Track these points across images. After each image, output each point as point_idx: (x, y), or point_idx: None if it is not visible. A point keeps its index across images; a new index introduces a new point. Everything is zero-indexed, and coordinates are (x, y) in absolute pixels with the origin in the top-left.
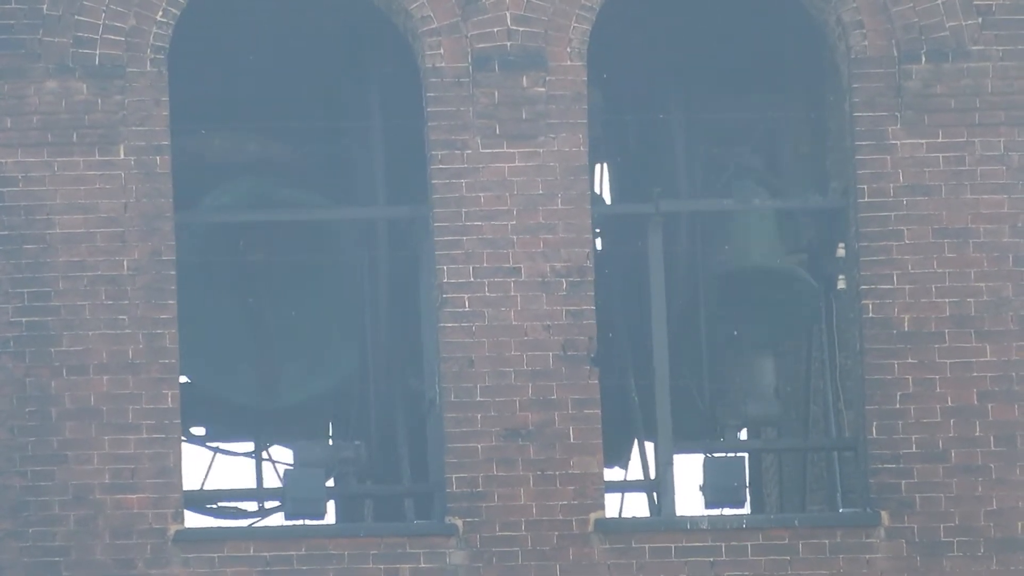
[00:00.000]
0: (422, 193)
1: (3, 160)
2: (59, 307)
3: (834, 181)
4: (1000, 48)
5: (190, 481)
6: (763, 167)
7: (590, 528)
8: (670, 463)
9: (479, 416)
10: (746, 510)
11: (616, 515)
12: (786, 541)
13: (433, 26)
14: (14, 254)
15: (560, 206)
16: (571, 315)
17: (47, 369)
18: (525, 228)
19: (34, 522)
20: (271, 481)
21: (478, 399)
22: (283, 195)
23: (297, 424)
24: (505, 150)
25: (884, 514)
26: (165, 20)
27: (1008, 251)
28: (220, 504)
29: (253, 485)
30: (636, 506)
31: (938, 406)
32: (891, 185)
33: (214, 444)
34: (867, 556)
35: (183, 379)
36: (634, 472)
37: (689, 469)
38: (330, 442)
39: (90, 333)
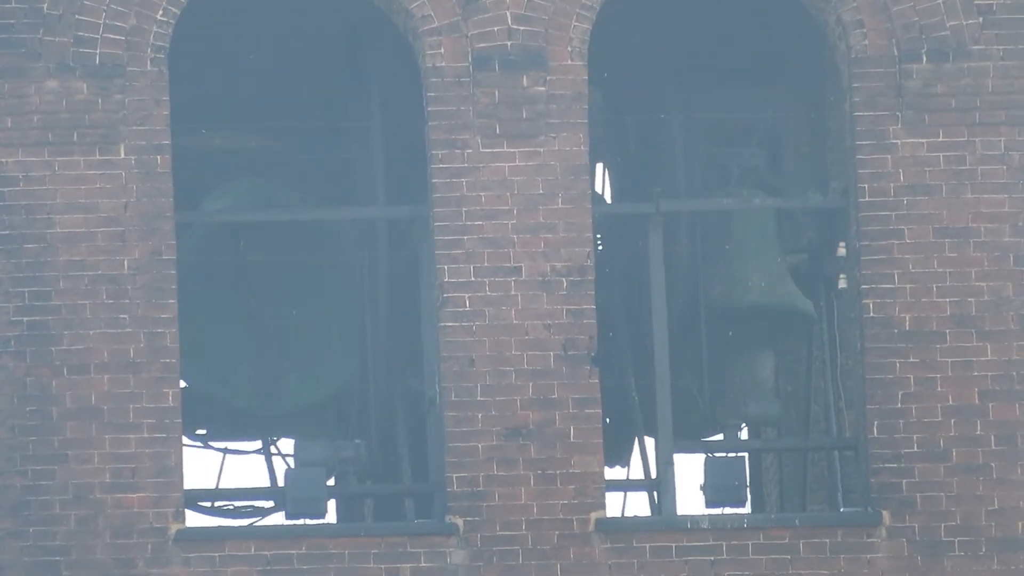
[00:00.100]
0: (422, 193)
1: (4, 160)
2: (60, 306)
3: (835, 181)
4: (1001, 48)
5: (199, 482)
6: (763, 167)
7: (591, 527)
8: (671, 462)
9: (480, 415)
10: (747, 509)
11: (617, 514)
12: (787, 541)
13: (433, 25)
14: (15, 253)
15: (560, 206)
16: (571, 314)
17: (48, 368)
18: (526, 228)
19: (35, 521)
20: (280, 478)
21: (479, 398)
22: (283, 195)
23: (299, 424)
24: (505, 150)
25: (885, 514)
26: (165, 20)
27: (1009, 251)
28: (236, 505)
29: (258, 484)
30: (637, 505)
31: (939, 405)
32: (892, 185)
33: (220, 445)
34: (868, 556)
35: (182, 384)
36: (635, 471)
37: (690, 468)
38: (330, 441)
39: (91, 332)
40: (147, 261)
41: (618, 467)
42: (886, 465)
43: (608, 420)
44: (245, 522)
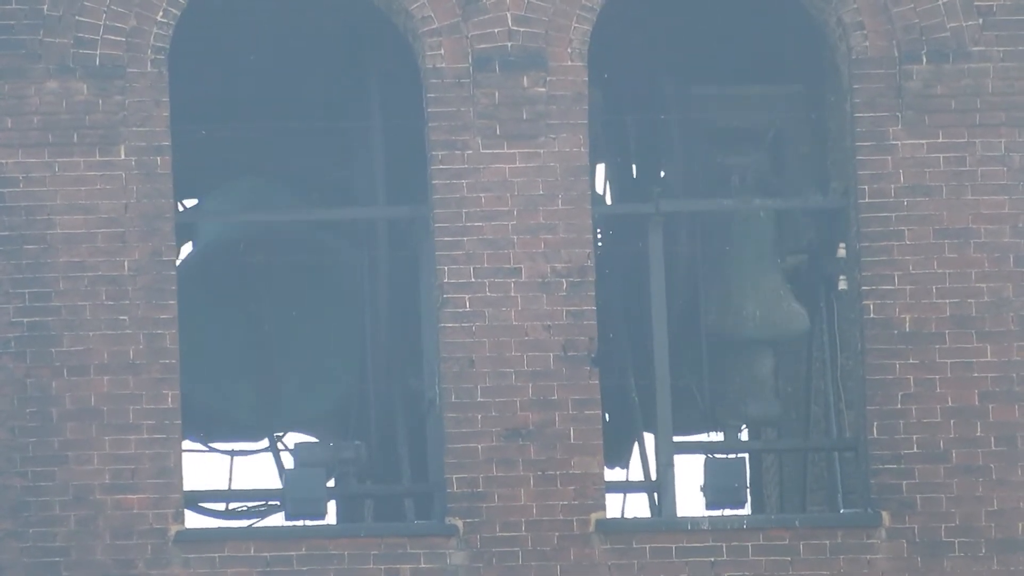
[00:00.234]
0: (422, 193)
1: (4, 160)
2: (60, 307)
3: (835, 181)
4: (1001, 49)
5: (199, 483)
6: (763, 167)
7: (591, 528)
8: (671, 463)
9: (479, 416)
10: (747, 511)
11: (617, 515)
12: (787, 541)
13: (434, 26)
14: (15, 254)
15: (560, 206)
16: (571, 315)
17: (48, 369)
18: (526, 228)
19: (34, 522)
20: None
21: (478, 399)
22: (283, 195)
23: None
24: (506, 150)
25: (885, 514)
26: (165, 20)
27: (1009, 251)
28: (248, 506)
29: (259, 484)
30: (637, 506)
31: (939, 406)
32: (892, 185)
33: (226, 447)
34: (868, 556)
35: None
36: (635, 472)
37: (690, 469)
38: (330, 442)
39: (91, 333)
40: (147, 262)
41: (618, 468)
42: (886, 466)
43: (608, 421)
44: (245, 523)
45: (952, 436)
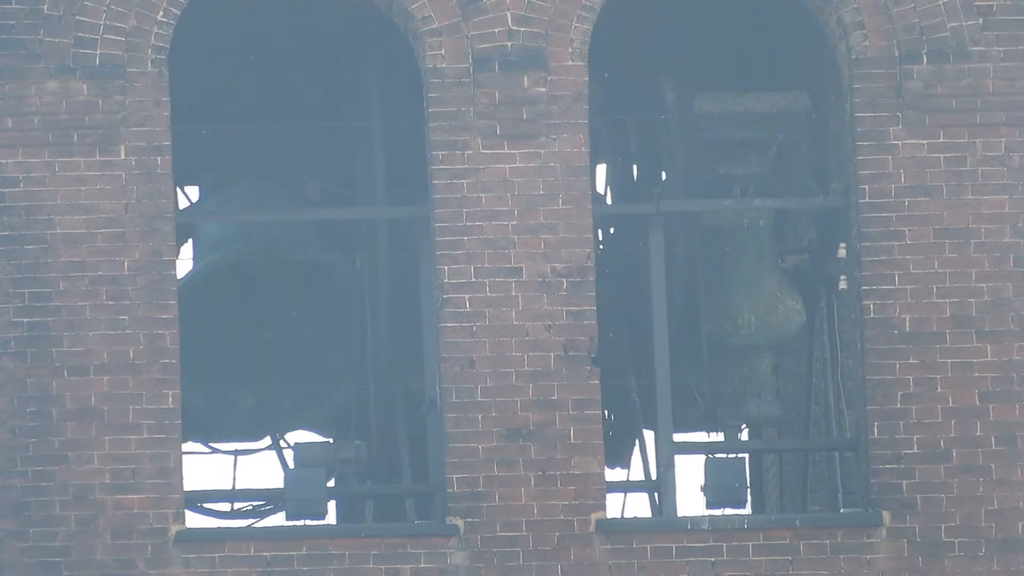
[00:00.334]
0: (422, 193)
1: (4, 160)
2: (60, 307)
3: (835, 181)
4: (1001, 49)
5: (199, 483)
6: (766, 176)
7: (591, 528)
8: (671, 463)
9: (480, 416)
10: (747, 510)
11: (617, 515)
12: (787, 541)
13: (434, 26)
14: (15, 254)
15: (561, 206)
16: (572, 315)
17: (48, 369)
18: (526, 228)
19: (35, 522)
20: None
21: (479, 399)
22: (283, 197)
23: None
24: (506, 150)
25: (885, 514)
26: (166, 20)
27: (1009, 251)
28: (254, 505)
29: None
30: (637, 506)
31: (939, 406)
32: (892, 185)
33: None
34: (868, 556)
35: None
36: (635, 472)
37: (690, 469)
38: (331, 442)
39: (91, 333)
40: (147, 262)
41: (618, 468)
42: (886, 466)
43: (609, 421)
44: (245, 523)
45: (952, 436)
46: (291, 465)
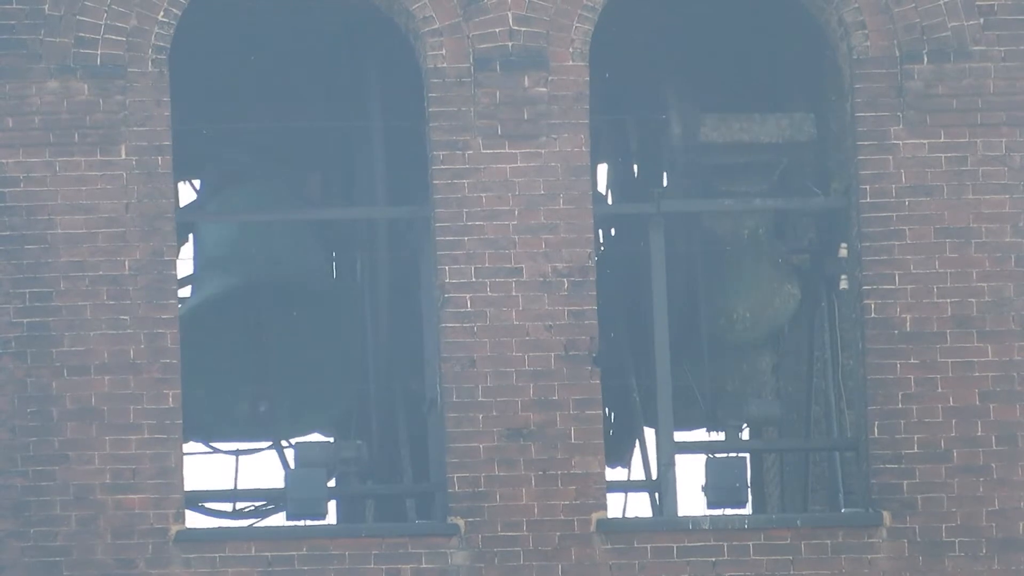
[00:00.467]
0: (423, 193)
1: (4, 160)
2: (60, 307)
3: (836, 181)
4: (1002, 48)
5: (200, 483)
6: (766, 186)
7: (592, 528)
8: (672, 463)
9: (481, 416)
10: (748, 510)
11: (618, 515)
12: (788, 541)
13: (435, 26)
14: (15, 254)
15: (562, 206)
16: (573, 315)
17: (48, 369)
18: (527, 228)
19: (35, 522)
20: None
21: (480, 399)
22: (283, 195)
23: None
24: (507, 150)
25: (886, 514)
26: (166, 20)
27: (1010, 251)
28: (252, 506)
29: (260, 484)
30: (638, 506)
31: (940, 406)
32: (893, 185)
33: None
34: (869, 556)
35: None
36: (636, 472)
37: (691, 469)
38: (332, 442)
39: (91, 333)
40: (148, 262)
41: (619, 468)
42: (887, 466)
43: (609, 420)
44: (246, 523)
45: (953, 436)
46: (292, 465)
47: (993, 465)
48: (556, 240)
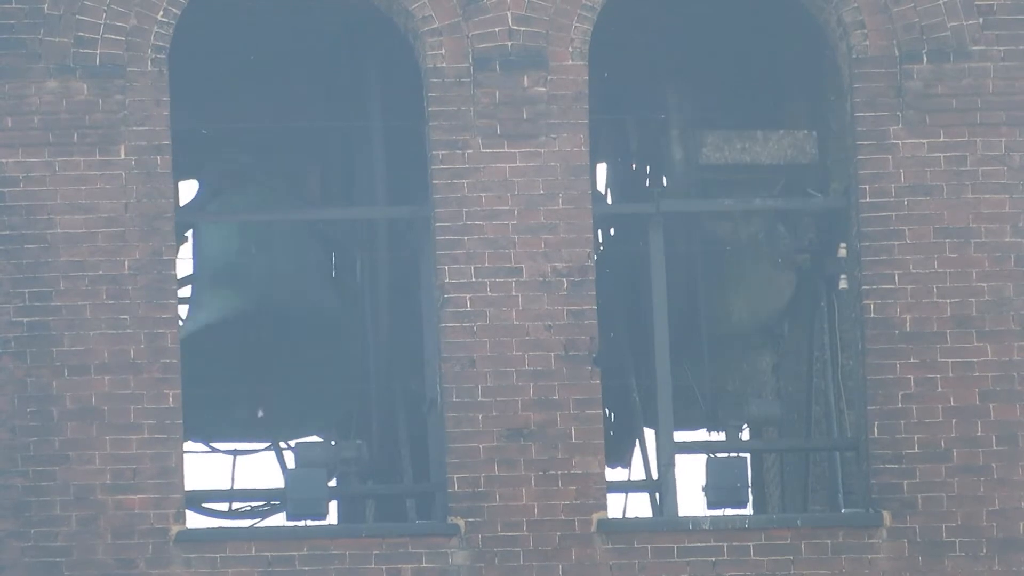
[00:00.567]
0: (423, 193)
1: (4, 160)
2: (60, 307)
3: (835, 181)
4: (1001, 48)
5: (201, 483)
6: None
7: (592, 528)
8: (672, 463)
9: (481, 416)
10: (748, 510)
11: (618, 515)
12: (788, 541)
13: (434, 26)
14: (15, 254)
15: (561, 206)
16: (572, 315)
17: (48, 369)
18: (526, 228)
19: (36, 522)
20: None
21: (479, 399)
22: (283, 195)
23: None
24: (506, 150)
25: (886, 514)
26: (166, 20)
27: (1010, 251)
28: (252, 506)
29: (261, 484)
30: (638, 506)
31: (940, 406)
32: (892, 185)
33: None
34: (869, 556)
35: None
36: (636, 472)
37: (691, 469)
38: (332, 442)
39: (91, 333)
40: (147, 261)
41: (619, 468)
42: (887, 466)
43: (609, 420)
44: (246, 523)
45: (953, 436)
46: (290, 466)
47: (993, 465)
48: (556, 240)
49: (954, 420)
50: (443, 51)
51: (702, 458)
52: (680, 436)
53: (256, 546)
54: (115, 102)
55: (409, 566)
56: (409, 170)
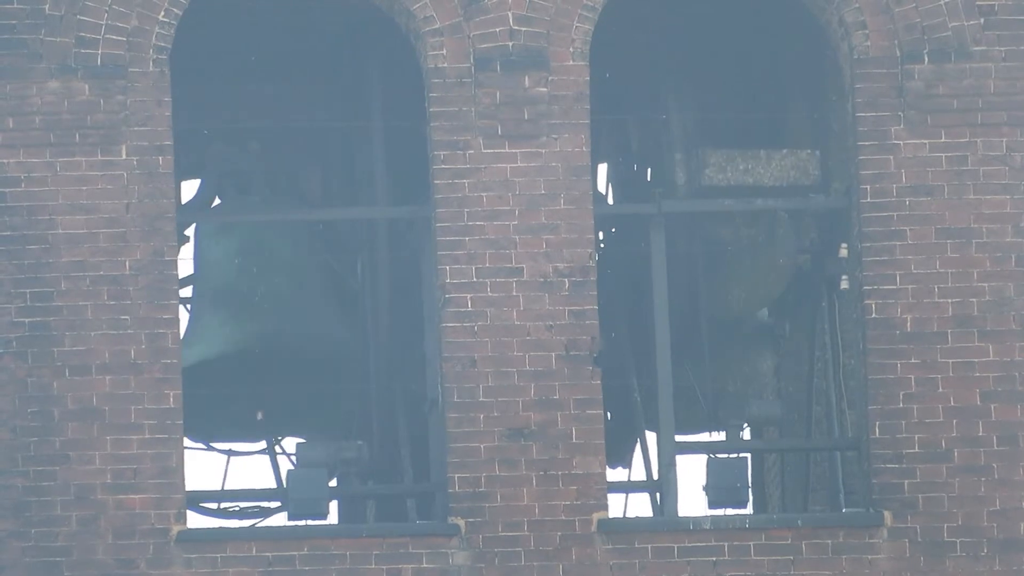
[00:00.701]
0: (424, 193)
1: (5, 160)
2: (61, 307)
3: (837, 181)
4: (1002, 48)
5: (202, 483)
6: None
7: (593, 528)
8: (673, 463)
9: (481, 416)
10: (749, 510)
11: (619, 515)
12: (789, 541)
13: (435, 26)
14: (16, 254)
15: (562, 206)
16: (573, 315)
17: (49, 369)
18: (527, 228)
19: (36, 522)
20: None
21: (480, 399)
22: (283, 195)
23: (302, 424)
24: (507, 150)
25: (887, 514)
26: (167, 20)
27: (1011, 251)
28: (241, 506)
29: (260, 485)
30: (639, 506)
31: (941, 406)
32: (894, 185)
33: (223, 447)
34: (870, 556)
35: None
36: (637, 472)
37: (692, 469)
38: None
39: (92, 333)
40: (148, 262)
41: (620, 468)
42: (888, 466)
43: (610, 420)
44: (247, 523)
45: (954, 436)
46: (283, 469)
47: (994, 465)
48: (557, 240)
49: (955, 420)
50: (444, 51)
51: (702, 458)
52: (681, 436)
53: (257, 546)
54: (116, 102)
55: (410, 566)
56: (410, 170)
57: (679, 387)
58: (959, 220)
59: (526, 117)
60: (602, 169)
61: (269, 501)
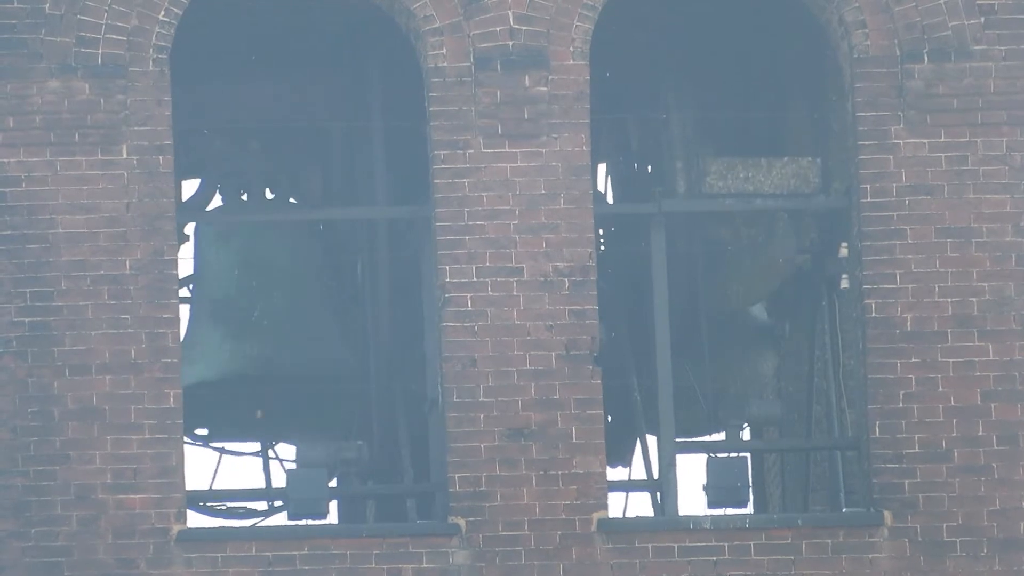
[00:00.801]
0: (424, 193)
1: (5, 160)
2: (61, 307)
3: (837, 181)
4: (1003, 48)
5: (195, 482)
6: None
7: (593, 528)
8: (673, 463)
9: (481, 416)
10: (749, 510)
11: (619, 515)
12: (789, 541)
13: (435, 25)
14: (16, 254)
15: (562, 206)
16: (574, 315)
17: (49, 369)
18: (527, 228)
19: (36, 522)
20: (275, 480)
21: (480, 399)
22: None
23: (301, 424)
24: (507, 150)
25: (887, 514)
26: (167, 20)
27: (1011, 251)
28: (228, 505)
29: (257, 485)
30: (639, 506)
31: (941, 406)
32: (894, 185)
33: (218, 445)
34: (870, 556)
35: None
36: (637, 472)
37: (692, 469)
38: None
39: (92, 333)
40: (149, 261)
41: (620, 467)
42: (888, 465)
43: (610, 420)
44: (247, 523)
45: (954, 435)
46: (275, 470)
47: (994, 465)
48: (557, 240)
49: (955, 420)
50: (444, 51)
51: (702, 458)
52: (681, 436)
53: (257, 546)
54: (117, 102)
55: (410, 566)
56: (410, 170)
57: (679, 387)
58: (959, 220)
59: (526, 116)
60: (602, 169)
61: (263, 502)
